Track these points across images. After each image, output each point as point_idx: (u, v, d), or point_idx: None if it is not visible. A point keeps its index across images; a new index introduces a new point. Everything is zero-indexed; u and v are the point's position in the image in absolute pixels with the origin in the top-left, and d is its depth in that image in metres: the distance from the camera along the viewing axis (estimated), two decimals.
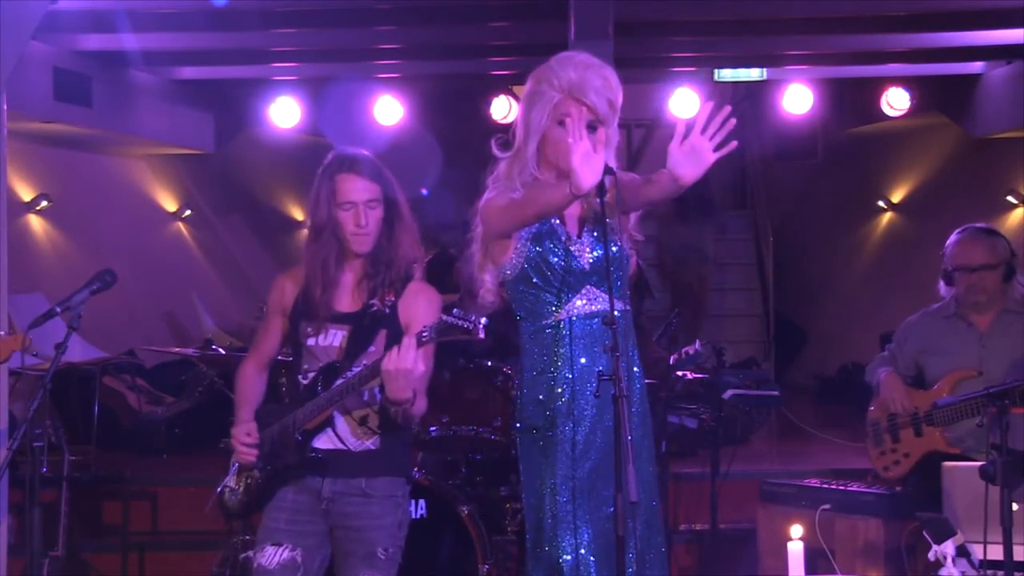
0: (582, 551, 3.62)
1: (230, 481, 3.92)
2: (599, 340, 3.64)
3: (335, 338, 3.77)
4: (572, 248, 3.68)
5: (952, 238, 5.24)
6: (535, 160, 3.70)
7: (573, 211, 3.71)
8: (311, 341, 3.79)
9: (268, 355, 3.97)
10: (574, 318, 3.68)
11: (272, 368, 4.02)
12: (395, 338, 3.69)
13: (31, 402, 3.73)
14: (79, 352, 7.70)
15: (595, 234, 3.69)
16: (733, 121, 3.35)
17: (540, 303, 3.71)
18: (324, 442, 3.75)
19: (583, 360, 3.66)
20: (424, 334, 3.51)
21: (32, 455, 3.78)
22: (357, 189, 3.73)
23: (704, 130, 3.36)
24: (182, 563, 6.45)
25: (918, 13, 7.92)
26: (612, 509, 3.46)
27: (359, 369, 3.69)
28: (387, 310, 3.77)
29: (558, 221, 3.70)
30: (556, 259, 3.67)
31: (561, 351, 3.67)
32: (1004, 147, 9.65)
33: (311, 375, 3.78)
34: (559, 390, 3.67)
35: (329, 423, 3.74)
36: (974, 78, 9.49)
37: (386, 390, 3.56)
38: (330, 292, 3.77)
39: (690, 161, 3.36)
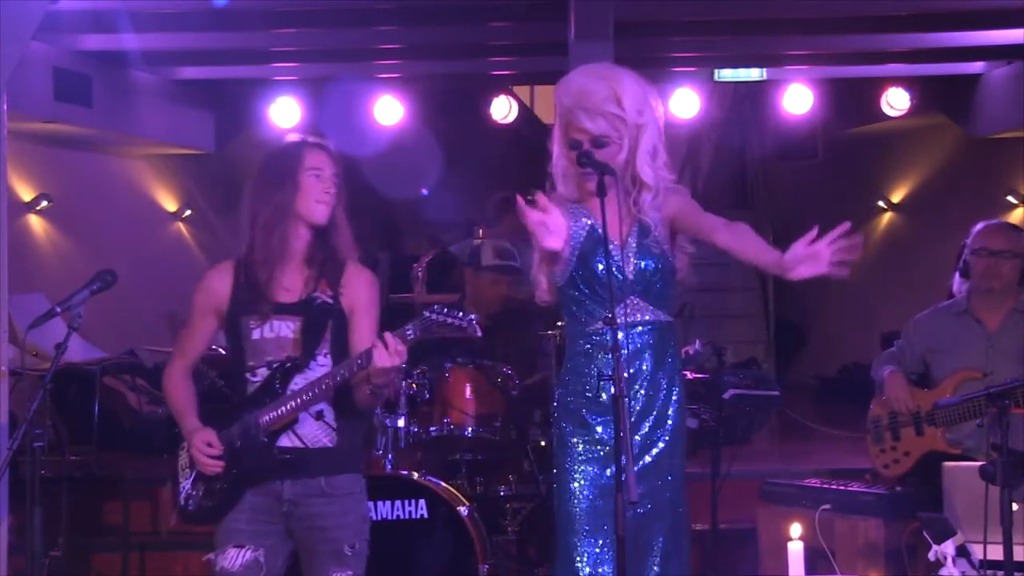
0: (605, 549, 3.67)
1: (188, 488, 3.85)
2: (641, 350, 3.73)
3: (283, 330, 3.74)
4: (617, 258, 3.70)
5: (977, 226, 5.27)
6: (560, 177, 3.80)
7: (620, 221, 3.73)
8: (256, 335, 3.75)
9: (194, 358, 3.92)
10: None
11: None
12: (342, 328, 3.73)
13: (31, 402, 3.72)
14: (79, 352, 7.70)
15: (640, 244, 3.73)
16: (860, 252, 3.58)
17: (584, 311, 3.77)
18: (284, 442, 3.74)
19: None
20: (409, 331, 3.53)
21: (32, 455, 3.77)
22: (326, 162, 3.78)
23: (833, 242, 3.56)
24: (182, 563, 6.45)
25: (918, 13, 7.92)
26: (640, 511, 3.53)
27: (325, 369, 3.69)
28: (331, 300, 3.76)
29: (601, 231, 3.74)
30: (602, 269, 3.71)
31: (604, 358, 3.71)
32: (1004, 147, 9.65)
33: (261, 371, 3.74)
34: (597, 394, 3.72)
35: (292, 423, 3.72)
36: (974, 78, 9.49)
37: (373, 379, 3.58)
38: (277, 273, 3.73)
39: (809, 262, 3.56)
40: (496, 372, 5.56)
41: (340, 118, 9.66)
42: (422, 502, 5.11)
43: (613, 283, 3.50)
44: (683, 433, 3.84)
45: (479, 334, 3.53)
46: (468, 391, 5.53)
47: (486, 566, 5.11)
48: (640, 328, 3.73)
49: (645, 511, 3.67)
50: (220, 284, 3.82)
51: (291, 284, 3.76)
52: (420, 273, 7.50)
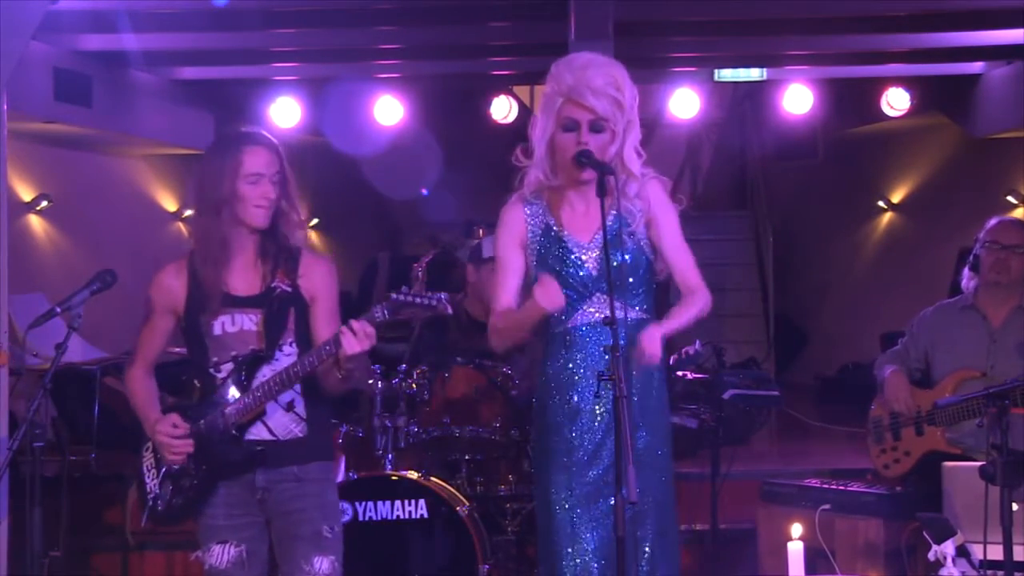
0: (585, 557, 3.64)
1: (156, 488, 3.81)
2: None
3: (246, 323, 3.72)
4: (579, 256, 3.68)
5: (991, 221, 5.27)
6: (546, 165, 3.71)
7: (581, 217, 3.71)
8: (217, 330, 3.73)
9: (153, 357, 3.91)
10: (584, 324, 3.68)
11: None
12: (304, 316, 3.73)
13: (31, 402, 3.73)
14: (79, 352, 7.70)
15: (613, 236, 3.65)
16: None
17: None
18: (253, 435, 3.72)
19: (593, 366, 3.65)
20: (377, 314, 3.52)
21: (32, 455, 3.77)
22: (264, 162, 3.69)
23: None
24: (182, 563, 6.45)
25: (918, 13, 7.92)
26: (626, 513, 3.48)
27: (291, 359, 3.67)
28: (290, 289, 3.74)
29: (566, 232, 3.71)
30: (561, 268, 3.68)
31: (571, 357, 3.68)
32: (1004, 147, 9.65)
33: (226, 366, 3.73)
34: (569, 395, 3.69)
35: (260, 414, 3.71)
36: (974, 78, 9.49)
37: (343, 364, 3.56)
38: (223, 271, 3.70)
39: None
40: (496, 372, 5.56)
41: (340, 118, 9.66)
42: (422, 502, 5.11)
43: (612, 283, 3.47)
44: (667, 434, 3.77)
45: (449, 310, 3.54)
46: (468, 391, 5.52)
47: (486, 566, 5.10)
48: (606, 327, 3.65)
49: (630, 513, 3.62)
50: (175, 282, 3.79)
51: (249, 278, 3.74)
52: (420, 273, 7.50)
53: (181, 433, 3.71)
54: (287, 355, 3.72)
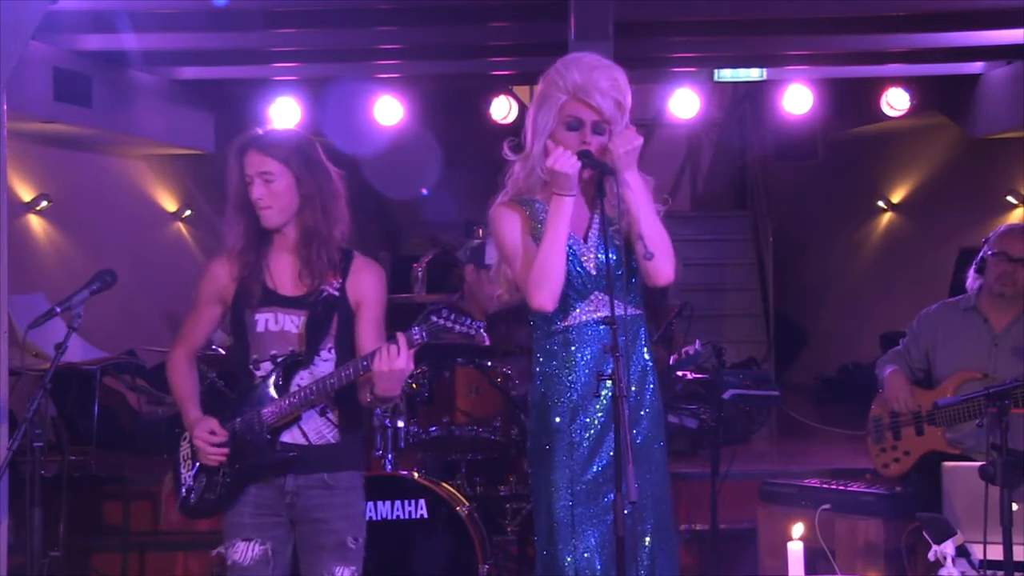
0: (587, 555, 3.63)
1: (190, 481, 3.82)
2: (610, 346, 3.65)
3: (288, 324, 3.71)
4: (579, 254, 3.68)
5: (1003, 227, 5.25)
6: (543, 161, 3.70)
7: (579, 216, 3.71)
8: (260, 327, 3.72)
9: (197, 346, 3.90)
10: (582, 323, 3.68)
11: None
12: (347, 321, 3.70)
13: (31, 402, 3.72)
14: (79, 352, 7.70)
15: (602, 234, 3.67)
16: None
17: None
18: (288, 437, 3.72)
19: (591, 365, 3.65)
20: (416, 336, 3.49)
21: (32, 455, 3.77)
22: (251, 163, 3.70)
23: None
24: (182, 563, 6.46)
25: (918, 13, 7.92)
26: (624, 512, 3.47)
27: (329, 364, 3.67)
28: (337, 293, 3.73)
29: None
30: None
31: (570, 356, 3.68)
32: (1004, 147, 9.65)
33: (264, 365, 3.72)
34: (567, 394, 3.69)
35: (296, 419, 3.71)
36: (974, 78, 9.49)
37: (376, 388, 3.54)
38: (258, 266, 3.71)
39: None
40: (496, 372, 5.56)
41: (340, 118, 9.66)
42: (422, 502, 5.11)
43: (612, 282, 3.48)
44: (661, 428, 3.76)
45: (487, 342, 3.51)
46: (468, 391, 5.52)
47: (486, 566, 5.11)
48: (603, 326, 3.63)
49: (628, 511, 3.61)
50: (224, 271, 3.79)
51: (296, 278, 3.74)
52: (420, 273, 7.52)
53: (218, 440, 3.71)
54: (325, 360, 3.71)
